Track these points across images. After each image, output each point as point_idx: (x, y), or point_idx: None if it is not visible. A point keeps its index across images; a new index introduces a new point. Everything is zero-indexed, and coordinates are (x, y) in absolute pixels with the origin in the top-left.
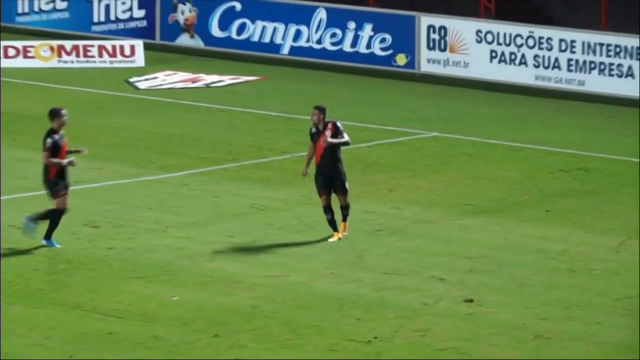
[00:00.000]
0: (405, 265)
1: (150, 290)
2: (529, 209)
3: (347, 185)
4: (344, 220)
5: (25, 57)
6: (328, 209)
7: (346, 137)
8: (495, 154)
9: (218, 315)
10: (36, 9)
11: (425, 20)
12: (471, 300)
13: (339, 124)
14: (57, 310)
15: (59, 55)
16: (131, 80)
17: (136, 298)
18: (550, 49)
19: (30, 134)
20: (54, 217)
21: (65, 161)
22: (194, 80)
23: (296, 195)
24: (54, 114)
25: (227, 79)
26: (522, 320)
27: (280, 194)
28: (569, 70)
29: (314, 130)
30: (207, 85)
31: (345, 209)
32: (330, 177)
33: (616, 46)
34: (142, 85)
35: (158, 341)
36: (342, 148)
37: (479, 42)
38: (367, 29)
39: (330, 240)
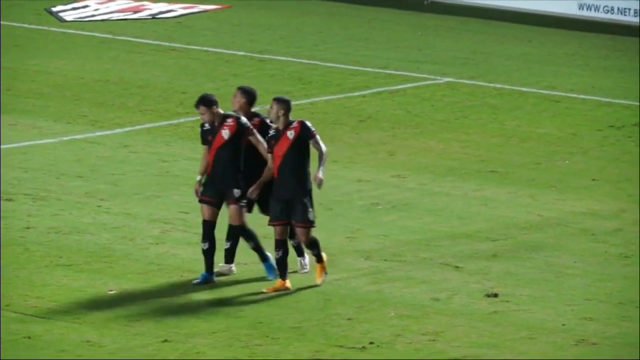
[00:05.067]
0: (410, 249)
1: (80, 282)
2: (571, 176)
3: (311, 215)
4: (320, 261)
5: None
6: (281, 244)
7: (323, 147)
8: (527, 105)
9: (168, 315)
10: None
11: None
12: (495, 295)
13: (309, 124)
14: None
15: None
16: (54, 9)
17: (62, 292)
18: None
19: None
20: None
21: None
22: (135, 10)
23: None
24: None
25: (179, 9)
26: (560, 321)
27: None
28: None
29: (273, 131)
30: (153, 17)
31: (312, 246)
32: (289, 199)
33: None
34: (68, 16)
35: (91, 347)
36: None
37: None
38: None
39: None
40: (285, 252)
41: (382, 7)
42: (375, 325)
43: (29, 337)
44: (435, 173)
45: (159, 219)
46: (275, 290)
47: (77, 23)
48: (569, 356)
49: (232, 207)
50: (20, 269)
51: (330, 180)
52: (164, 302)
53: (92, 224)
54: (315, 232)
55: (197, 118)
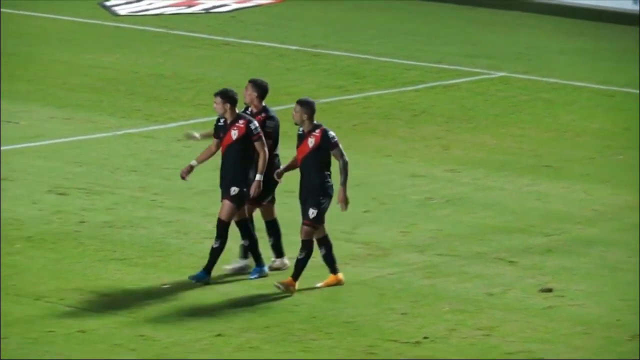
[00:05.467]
0: (463, 244)
1: (133, 277)
2: (625, 171)
3: (312, 212)
4: (295, 273)
5: None
6: (317, 243)
7: (345, 158)
8: (581, 100)
9: (222, 309)
10: None
11: None
12: (550, 290)
13: (331, 134)
14: (13, 302)
15: None
16: (108, 3)
17: (116, 286)
18: None
19: None
20: None
21: None
22: (189, 4)
23: None
24: None
25: (233, 3)
26: (615, 316)
27: None
28: None
29: (300, 131)
30: (207, 11)
31: (303, 247)
32: (306, 200)
33: None
34: (122, 10)
35: (144, 341)
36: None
37: None
38: None
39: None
40: (328, 248)
41: (437, 1)
42: (429, 320)
43: (83, 331)
44: (489, 168)
45: (212, 213)
46: (328, 285)
47: (131, 17)
48: (624, 351)
49: (225, 202)
50: (74, 263)
51: (384, 174)
52: (218, 296)
53: (146, 218)
54: (368, 222)
55: None
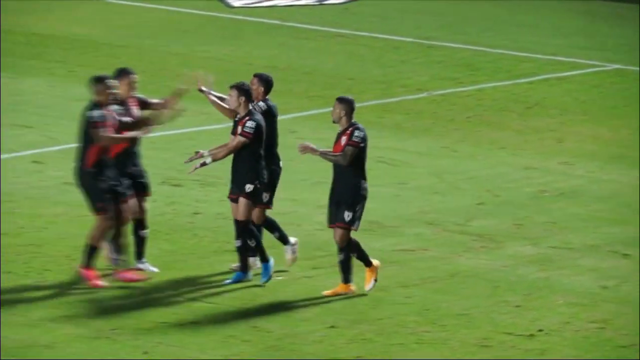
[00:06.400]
0: (578, 237)
1: None
2: None
3: (347, 215)
4: (368, 265)
5: None
6: (339, 248)
7: (346, 158)
8: None
9: (335, 301)
10: None
11: None
12: None
13: (357, 132)
14: (125, 292)
15: None
16: None
17: (230, 277)
18: None
19: (90, 64)
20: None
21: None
22: None
23: (435, 146)
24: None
25: None
26: None
27: (415, 144)
28: None
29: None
30: (320, 3)
31: (351, 250)
32: (337, 202)
33: None
34: (236, 1)
35: (258, 332)
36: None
37: None
38: None
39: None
40: (346, 254)
41: None
42: (543, 312)
43: (196, 322)
44: (604, 160)
45: (326, 205)
46: (336, 294)
47: (245, 9)
48: None
49: (240, 200)
50: (188, 255)
51: (498, 167)
52: (331, 287)
53: None
54: (482, 215)
55: (363, 104)
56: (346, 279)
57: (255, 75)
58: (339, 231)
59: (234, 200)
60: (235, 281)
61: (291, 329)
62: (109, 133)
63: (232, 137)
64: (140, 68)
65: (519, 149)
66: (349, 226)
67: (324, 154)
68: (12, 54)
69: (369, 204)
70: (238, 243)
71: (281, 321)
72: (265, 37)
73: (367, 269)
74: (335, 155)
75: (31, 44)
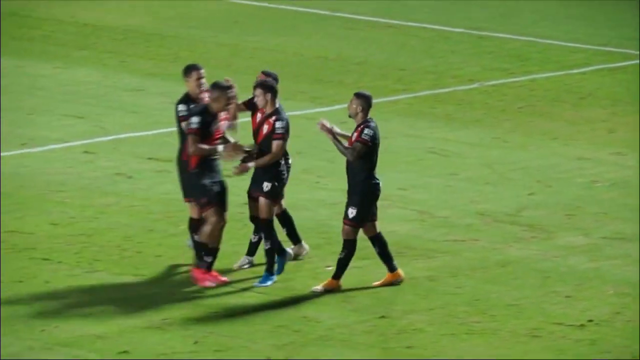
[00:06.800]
0: (629, 227)
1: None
2: None
3: (352, 211)
4: (392, 271)
5: None
6: (343, 244)
7: (354, 154)
8: None
9: (385, 291)
10: None
11: None
12: None
13: (366, 131)
14: (176, 281)
15: None
16: None
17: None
18: None
19: (142, 54)
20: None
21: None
22: None
23: (486, 136)
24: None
25: None
26: None
27: (466, 135)
28: None
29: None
30: None
31: (344, 247)
32: (348, 196)
33: None
34: None
35: (308, 323)
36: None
37: None
38: None
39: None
40: (381, 246)
41: None
42: (593, 302)
43: (246, 312)
44: None
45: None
46: (385, 284)
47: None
48: None
49: (260, 199)
50: (238, 245)
51: (550, 157)
52: (381, 278)
53: (309, 200)
54: (532, 205)
55: (414, 95)
56: (337, 275)
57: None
58: (344, 227)
59: (254, 198)
60: (265, 282)
61: (341, 319)
62: (196, 134)
63: (275, 144)
64: (190, 59)
65: (570, 139)
66: (352, 223)
67: (336, 142)
68: (63, 45)
69: (420, 194)
70: (254, 238)
71: (331, 311)
72: (316, 27)
73: (388, 273)
74: (346, 148)
75: (83, 34)
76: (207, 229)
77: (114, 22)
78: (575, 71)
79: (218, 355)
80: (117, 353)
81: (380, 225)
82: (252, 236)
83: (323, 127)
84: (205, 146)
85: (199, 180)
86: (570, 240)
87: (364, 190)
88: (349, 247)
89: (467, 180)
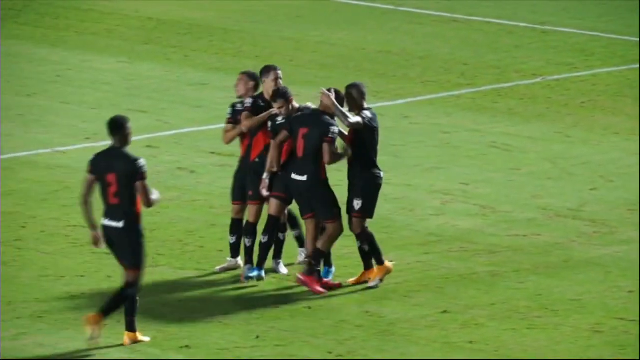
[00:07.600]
0: None
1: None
2: None
3: (357, 203)
4: (366, 264)
5: None
6: (357, 236)
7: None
8: None
9: (448, 286)
10: None
11: None
12: None
13: (365, 113)
14: (236, 277)
15: None
16: None
17: (342, 263)
18: None
19: (205, 49)
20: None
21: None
22: None
23: (549, 131)
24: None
25: None
26: None
27: (529, 130)
28: None
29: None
30: None
31: (359, 238)
32: (349, 190)
33: None
34: None
35: (370, 318)
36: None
37: None
38: None
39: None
40: (369, 242)
41: None
42: None
43: (309, 307)
44: None
45: (439, 190)
46: (379, 277)
47: None
48: None
49: (272, 199)
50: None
51: (612, 152)
52: (444, 273)
53: None
54: (595, 200)
55: (477, 89)
56: (378, 261)
57: (243, 73)
58: (352, 221)
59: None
60: (256, 277)
61: (403, 314)
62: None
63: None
64: (254, 53)
65: (633, 134)
66: (359, 214)
67: (336, 106)
68: (127, 39)
69: (482, 189)
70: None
71: (393, 306)
72: (379, 22)
73: (377, 266)
74: (343, 114)
75: (147, 28)
76: (330, 236)
77: (178, 16)
78: (637, 66)
79: (279, 350)
80: (179, 347)
81: (443, 220)
82: (295, 232)
83: (324, 93)
84: (340, 152)
85: (328, 191)
86: (632, 235)
87: (365, 182)
88: (366, 237)
89: (529, 175)
